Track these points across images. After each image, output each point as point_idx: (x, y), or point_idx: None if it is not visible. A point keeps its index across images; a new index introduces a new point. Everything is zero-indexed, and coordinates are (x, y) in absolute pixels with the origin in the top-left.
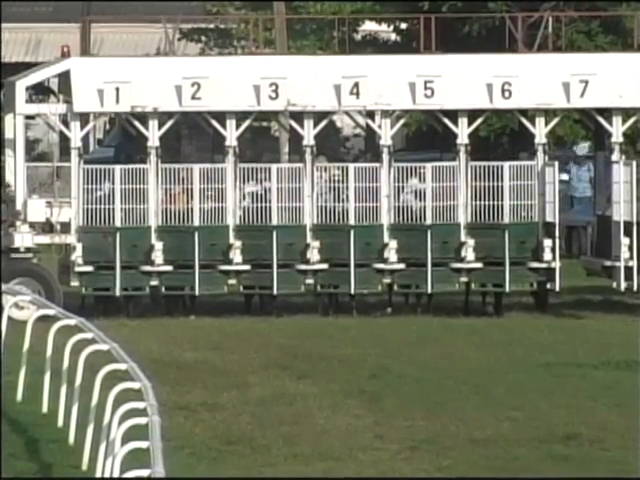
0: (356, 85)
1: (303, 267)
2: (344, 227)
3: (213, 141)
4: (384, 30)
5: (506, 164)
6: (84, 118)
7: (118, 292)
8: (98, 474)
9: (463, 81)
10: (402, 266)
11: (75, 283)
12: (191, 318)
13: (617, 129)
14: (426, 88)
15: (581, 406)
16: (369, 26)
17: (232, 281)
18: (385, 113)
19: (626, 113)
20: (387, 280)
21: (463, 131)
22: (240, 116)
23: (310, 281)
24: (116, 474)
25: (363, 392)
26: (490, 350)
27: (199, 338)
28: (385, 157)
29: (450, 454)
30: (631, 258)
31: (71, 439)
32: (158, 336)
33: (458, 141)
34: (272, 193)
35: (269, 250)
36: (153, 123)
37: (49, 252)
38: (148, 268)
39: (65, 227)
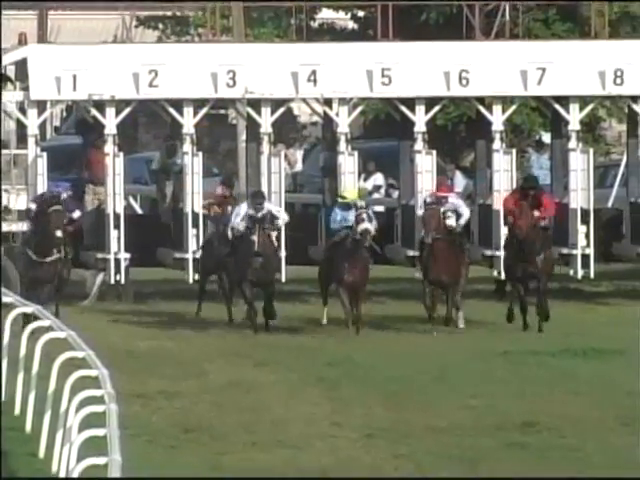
0: (313, 73)
1: None
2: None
3: (170, 129)
4: (341, 18)
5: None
6: (41, 106)
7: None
8: (55, 462)
9: (420, 69)
10: None
11: None
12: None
13: (574, 117)
14: (383, 76)
15: (538, 394)
16: (326, 14)
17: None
18: (342, 101)
19: (583, 101)
20: None
21: (421, 119)
22: (197, 104)
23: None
24: (73, 462)
25: (321, 380)
26: (448, 338)
27: (157, 325)
28: (343, 145)
29: (407, 442)
30: (588, 246)
31: (28, 427)
32: (116, 323)
33: (416, 129)
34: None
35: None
36: (110, 111)
37: (6, 240)
38: (100, 255)
39: (22, 214)
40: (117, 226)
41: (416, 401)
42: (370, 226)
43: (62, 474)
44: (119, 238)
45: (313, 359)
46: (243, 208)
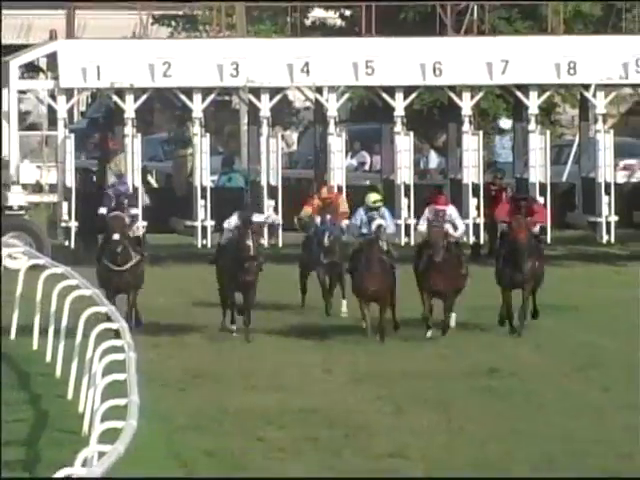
0: (306, 64)
1: None
2: None
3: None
4: (331, 16)
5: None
6: (69, 93)
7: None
8: (81, 403)
9: (399, 61)
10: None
11: (61, 237)
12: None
13: (533, 103)
14: (367, 67)
15: (503, 345)
16: (318, 13)
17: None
18: (331, 88)
19: (541, 89)
20: None
21: (400, 105)
22: (205, 91)
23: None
24: (97, 403)
25: (313, 332)
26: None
27: (170, 285)
28: (332, 127)
29: (388, 385)
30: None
31: (58, 373)
32: None
33: (395, 113)
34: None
35: None
36: (129, 97)
37: (39, 210)
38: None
39: (52, 188)
40: (136, 198)
41: (395, 350)
42: (384, 221)
43: (88, 414)
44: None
45: (306, 313)
46: (234, 219)
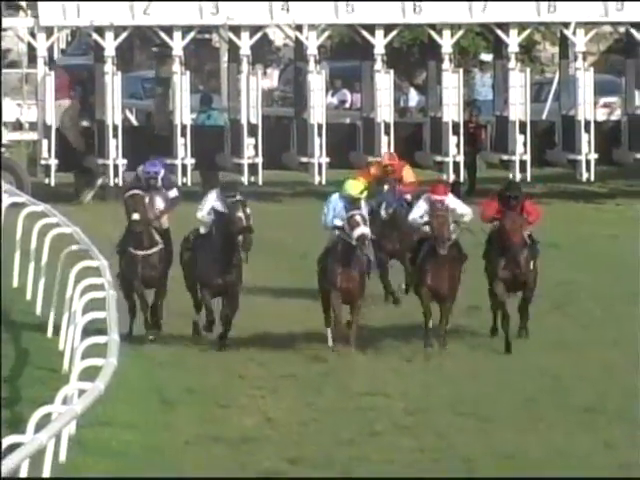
0: (286, 2)
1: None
2: None
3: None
4: None
5: None
6: (49, 31)
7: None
8: (61, 341)
9: None
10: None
11: (41, 175)
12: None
13: (513, 40)
14: (347, 5)
15: (481, 284)
16: None
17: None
18: (311, 26)
19: (521, 26)
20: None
21: (380, 43)
22: (185, 29)
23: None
24: (77, 341)
25: (294, 270)
26: None
27: None
28: (312, 65)
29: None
30: (525, 153)
31: (38, 310)
32: (114, 220)
33: (375, 51)
34: None
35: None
36: (109, 35)
37: (19, 147)
38: (101, 161)
39: (32, 125)
40: (115, 136)
41: (379, 287)
42: (367, 230)
43: (68, 352)
44: (117, 146)
45: (287, 252)
46: (210, 199)
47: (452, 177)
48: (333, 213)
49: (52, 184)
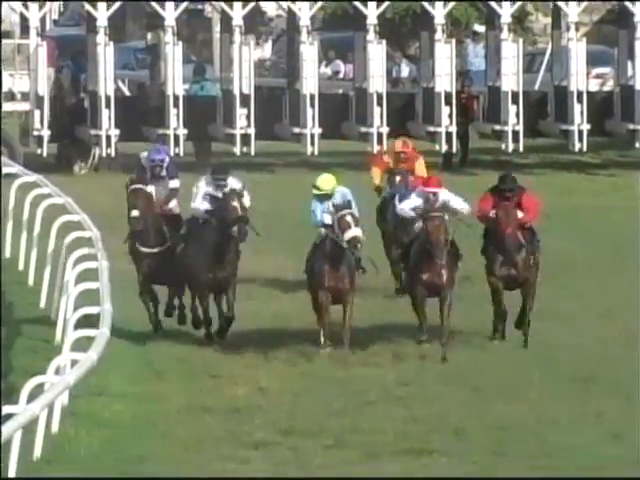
0: None
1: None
2: None
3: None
4: None
5: None
6: (41, 1)
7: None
8: (54, 311)
9: None
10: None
11: (33, 145)
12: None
13: (506, 11)
14: None
15: (473, 253)
16: None
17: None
18: None
19: None
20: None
21: (372, 13)
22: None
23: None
24: (70, 311)
25: (285, 241)
26: None
27: None
28: (304, 35)
29: (364, 296)
30: (517, 123)
31: (30, 281)
32: (107, 191)
33: (368, 22)
34: None
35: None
36: (102, 5)
37: (11, 118)
38: (94, 132)
39: (25, 96)
40: (108, 106)
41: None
42: (359, 232)
43: (60, 322)
44: (110, 117)
45: (279, 222)
46: (202, 186)
47: (444, 147)
48: (322, 209)
49: (44, 154)
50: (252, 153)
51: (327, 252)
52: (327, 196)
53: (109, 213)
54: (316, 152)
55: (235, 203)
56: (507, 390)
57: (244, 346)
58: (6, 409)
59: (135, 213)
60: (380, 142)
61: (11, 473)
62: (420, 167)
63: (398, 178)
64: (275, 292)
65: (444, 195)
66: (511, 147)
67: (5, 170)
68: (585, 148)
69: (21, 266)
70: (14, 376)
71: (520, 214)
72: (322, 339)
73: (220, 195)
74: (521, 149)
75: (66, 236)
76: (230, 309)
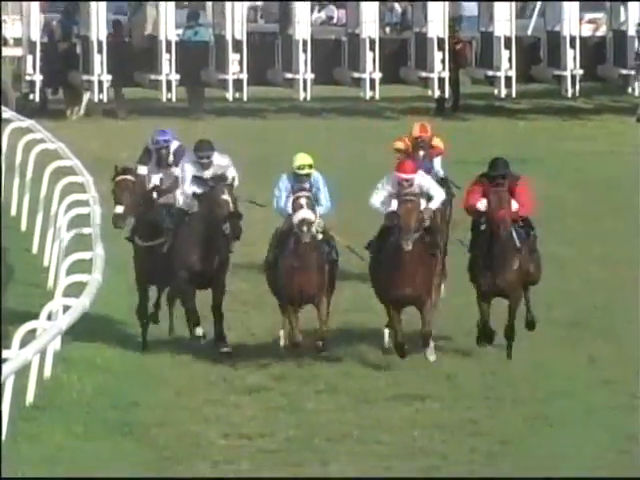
0: None
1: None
2: None
3: None
4: None
5: None
6: None
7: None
8: (46, 256)
9: None
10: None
11: (25, 90)
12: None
13: None
14: None
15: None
16: None
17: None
18: None
19: None
20: None
21: None
22: None
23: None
24: (62, 256)
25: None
26: (388, 152)
27: (135, 139)
28: None
29: (354, 237)
30: (510, 68)
31: (23, 226)
32: (99, 136)
33: None
34: None
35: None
36: None
37: (4, 63)
38: (86, 77)
39: (17, 41)
40: (100, 51)
41: (358, 203)
42: (309, 214)
43: (53, 267)
44: (102, 62)
45: (271, 168)
46: (187, 169)
47: (437, 93)
48: (286, 194)
49: (37, 100)
50: (244, 99)
51: (293, 245)
52: (304, 177)
53: (101, 158)
54: (309, 98)
55: (226, 196)
56: (498, 335)
57: (235, 288)
58: None
59: (118, 210)
60: (373, 87)
61: (4, 419)
62: (436, 140)
63: (422, 152)
64: (269, 235)
65: (420, 180)
66: (504, 92)
67: None
68: (578, 93)
69: (14, 212)
70: (6, 322)
71: (514, 205)
72: (282, 340)
73: (206, 175)
74: (514, 94)
75: (58, 181)
76: (217, 316)
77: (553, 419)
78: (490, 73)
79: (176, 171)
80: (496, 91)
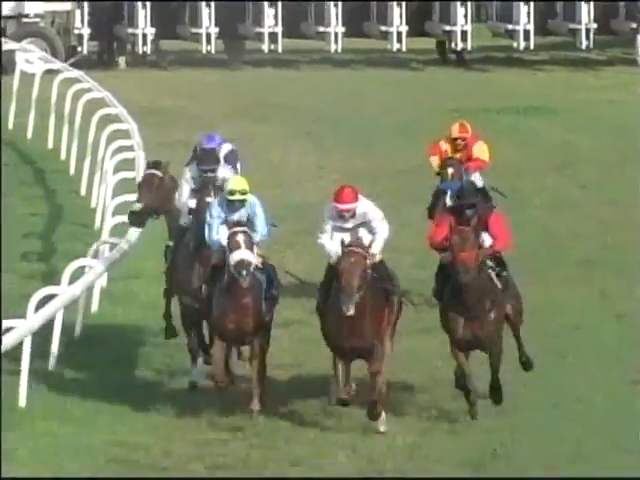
0: None
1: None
2: None
3: None
4: None
5: None
6: None
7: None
8: (94, 198)
9: None
10: None
11: (74, 43)
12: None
13: None
14: None
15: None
16: None
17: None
18: None
19: None
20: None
21: None
22: None
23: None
24: (109, 199)
25: (309, 134)
26: (413, 100)
27: (176, 88)
28: None
29: (381, 182)
30: (529, 22)
31: (72, 170)
32: (143, 86)
33: None
34: None
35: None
36: None
37: (54, 17)
38: (131, 30)
39: None
40: (144, 6)
41: (387, 151)
42: (249, 255)
43: (99, 209)
44: (146, 16)
45: (302, 116)
46: (188, 180)
47: (460, 45)
48: (219, 222)
49: (84, 52)
50: (279, 50)
51: (226, 285)
52: (237, 204)
53: (145, 106)
54: (339, 50)
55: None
56: (514, 274)
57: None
58: (48, 290)
59: (136, 207)
60: (399, 40)
61: (54, 351)
62: (479, 149)
63: (450, 170)
64: (301, 179)
65: (363, 208)
66: (522, 45)
67: (48, 66)
68: (592, 46)
69: (63, 156)
70: (56, 259)
71: (487, 239)
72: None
73: (208, 190)
74: (532, 47)
75: (105, 128)
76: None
77: (566, 351)
78: (510, 27)
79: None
80: (515, 44)
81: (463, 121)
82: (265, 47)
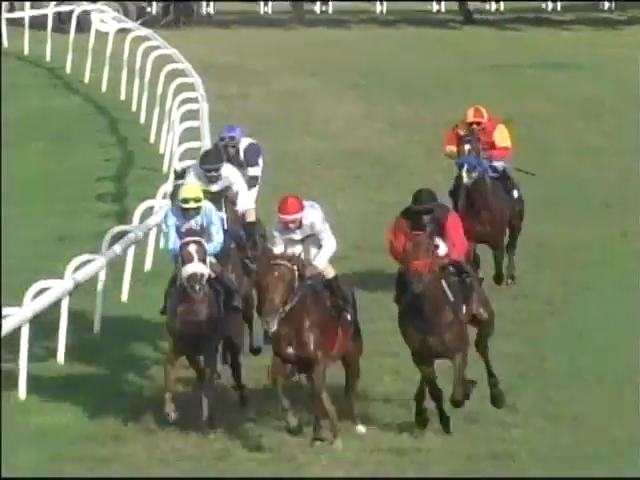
0: None
1: None
2: None
3: None
4: None
5: None
6: None
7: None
8: (162, 145)
9: None
10: None
11: (144, 4)
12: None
13: None
14: None
15: (519, 97)
16: None
17: None
18: None
19: None
20: None
21: None
22: None
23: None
24: (175, 145)
25: (357, 86)
26: (451, 56)
27: (236, 46)
28: None
29: (421, 131)
30: None
31: (142, 120)
32: (206, 44)
33: None
34: None
35: None
36: None
37: None
38: None
39: None
40: None
41: (428, 102)
42: (200, 267)
43: (167, 154)
44: None
45: (351, 71)
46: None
47: (494, 6)
48: (174, 231)
49: (153, 12)
50: (330, 11)
51: (182, 297)
52: (191, 212)
53: (208, 62)
54: (384, 11)
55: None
56: (540, 215)
57: (322, 174)
58: (120, 228)
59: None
60: (439, 1)
61: (125, 285)
62: (500, 136)
63: (467, 147)
64: (349, 128)
65: (311, 218)
66: (550, 6)
67: (120, 25)
68: (614, 7)
69: (134, 107)
70: (128, 200)
71: (443, 247)
72: (167, 408)
73: (213, 189)
74: (559, 8)
75: (172, 82)
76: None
77: (589, 284)
78: None
79: (250, 171)
80: (544, 5)
81: (478, 106)
82: (317, 8)
